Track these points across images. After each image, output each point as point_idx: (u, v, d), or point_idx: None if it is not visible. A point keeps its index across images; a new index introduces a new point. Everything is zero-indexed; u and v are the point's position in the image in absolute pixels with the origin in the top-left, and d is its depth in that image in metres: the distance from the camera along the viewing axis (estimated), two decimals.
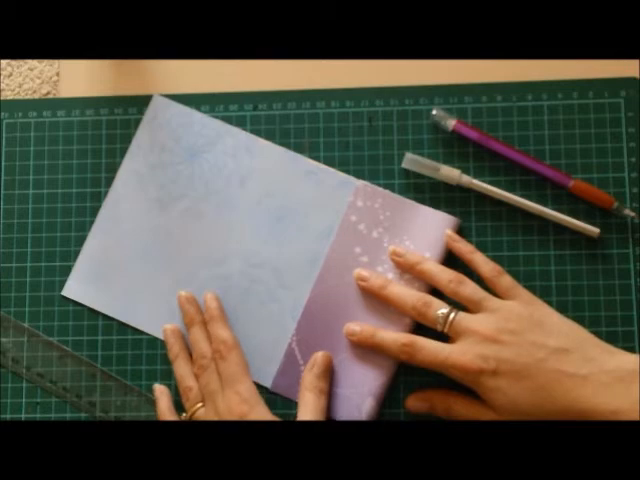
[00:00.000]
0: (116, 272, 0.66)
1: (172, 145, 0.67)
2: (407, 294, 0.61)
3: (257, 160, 0.66)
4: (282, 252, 0.65)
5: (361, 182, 0.65)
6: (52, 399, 0.65)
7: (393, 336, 0.60)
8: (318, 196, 0.65)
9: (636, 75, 0.65)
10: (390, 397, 0.63)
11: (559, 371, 0.56)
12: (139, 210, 0.66)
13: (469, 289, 0.60)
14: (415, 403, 0.61)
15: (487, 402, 0.58)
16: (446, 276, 0.61)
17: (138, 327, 0.65)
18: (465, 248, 0.62)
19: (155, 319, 0.65)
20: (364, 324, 0.62)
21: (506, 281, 0.60)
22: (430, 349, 0.59)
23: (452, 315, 0.59)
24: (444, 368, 0.58)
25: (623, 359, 0.57)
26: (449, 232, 0.63)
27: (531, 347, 0.57)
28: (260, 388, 0.63)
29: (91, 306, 0.66)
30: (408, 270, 0.63)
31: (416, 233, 0.64)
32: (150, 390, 0.64)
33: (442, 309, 0.60)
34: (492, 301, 0.59)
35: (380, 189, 0.65)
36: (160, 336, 0.65)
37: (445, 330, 0.59)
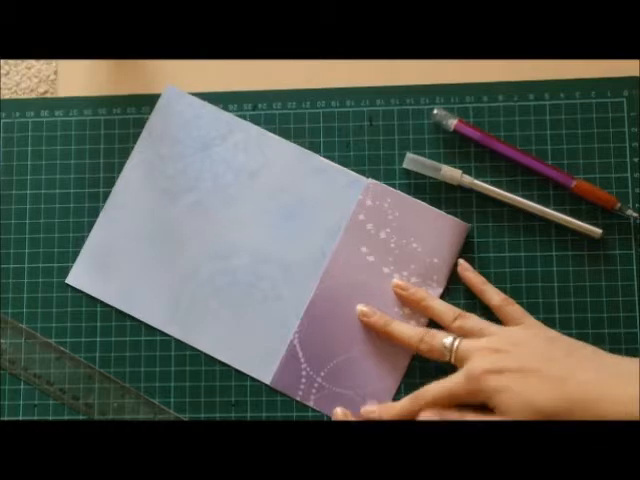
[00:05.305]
0: (121, 262, 0.66)
1: (183, 137, 0.67)
2: (411, 331, 0.61)
3: (267, 155, 0.66)
4: (289, 249, 0.65)
5: (371, 180, 0.65)
6: (50, 401, 0.64)
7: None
8: (327, 194, 0.65)
9: (638, 74, 0.65)
10: (390, 398, 0.63)
11: (572, 365, 0.56)
12: (147, 200, 0.66)
13: (472, 321, 0.60)
14: (428, 415, 0.59)
15: (498, 408, 0.57)
16: (451, 314, 0.61)
17: (140, 318, 0.65)
18: (476, 279, 0.62)
19: (158, 310, 0.65)
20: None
21: (516, 310, 0.61)
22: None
23: (457, 342, 0.59)
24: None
25: (633, 360, 0.57)
26: (462, 262, 0.63)
27: (539, 349, 0.58)
28: (260, 385, 0.63)
29: (94, 295, 0.65)
30: (411, 304, 0.63)
31: (424, 236, 0.63)
32: (148, 392, 0.64)
33: (446, 339, 0.60)
34: (494, 327, 0.60)
35: (390, 188, 0.64)
36: (159, 326, 0.64)
37: (452, 359, 0.59)
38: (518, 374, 0.56)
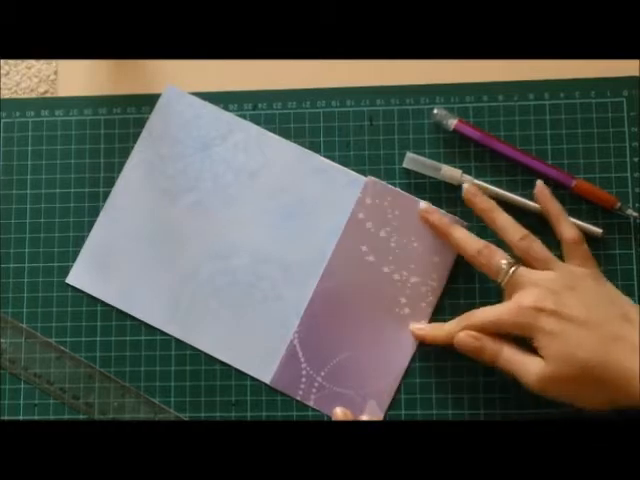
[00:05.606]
0: (121, 261, 0.66)
1: (183, 137, 0.67)
2: (473, 239, 0.61)
3: (267, 155, 0.66)
4: (289, 249, 0.65)
5: (371, 178, 0.65)
6: (50, 401, 0.64)
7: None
8: (328, 193, 0.65)
9: (638, 74, 0.65)
10: (390, 398, 0.63)
11: (627, 329, 0.55)
12: (147, 200, 0.66)
13: (539, 248, 0.59)
14: (466, 338, 0.58)
15: (540, 350, 0.56)
16: (518, 232, 0.60)
17: (140, 317, 0.65)
18: (555, 208, 0.61)
19: (158, 310, 0.65)
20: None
21: (584, 252, 0.59)
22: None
23: (513, 268, 0.58)
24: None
25: None
26: (541, 184, 0.62)
27: (597, 302, 0.56)
28: (260, 384, 0.63)
29: (94, 294, 0.65)
30: (478, 213, 0.62)
31: (425, 235, 0.63)
32: (149, 391, 0.64)
33: (504, 260, 0.59)
34: (558, 262, 0.59)
35: (390, 186, 0.64)
36: (159, 326, 0.64)
37: (504, 282, 0.58)
38: (570, 323, 0.55)
